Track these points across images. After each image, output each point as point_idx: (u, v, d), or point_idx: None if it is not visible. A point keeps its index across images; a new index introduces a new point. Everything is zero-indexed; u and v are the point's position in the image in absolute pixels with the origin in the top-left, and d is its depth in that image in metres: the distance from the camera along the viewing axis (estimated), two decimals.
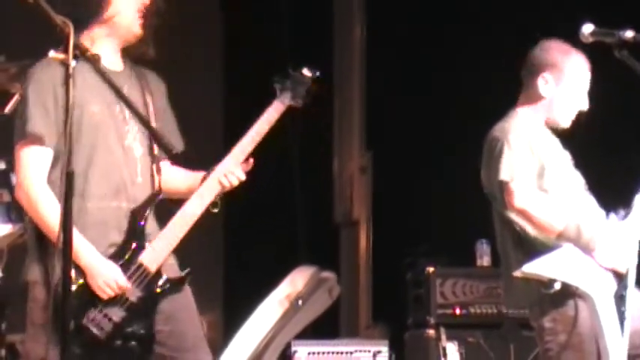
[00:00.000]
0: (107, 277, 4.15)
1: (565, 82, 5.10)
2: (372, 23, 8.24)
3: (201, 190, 4.29)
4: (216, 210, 4.30)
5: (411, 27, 7.70)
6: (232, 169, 4.28)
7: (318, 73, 4.47)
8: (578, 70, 5.12)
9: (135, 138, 4.29)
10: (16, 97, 5.82)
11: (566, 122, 5.15)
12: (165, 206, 4.38)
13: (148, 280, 4.21)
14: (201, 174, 4.38)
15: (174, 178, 4.44)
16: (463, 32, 7.38)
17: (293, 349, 6.50)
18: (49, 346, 3.95)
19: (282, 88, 4.39)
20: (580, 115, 5.16)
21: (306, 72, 4.43)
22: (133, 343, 4.19)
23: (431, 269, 6.70)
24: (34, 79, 4.24)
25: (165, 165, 4.41)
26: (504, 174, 4.95)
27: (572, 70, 5.10)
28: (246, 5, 8.19)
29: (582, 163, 5.22)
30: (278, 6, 8.22)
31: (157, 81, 4.46)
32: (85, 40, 4.21)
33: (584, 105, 5.14)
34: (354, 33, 8.28)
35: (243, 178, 4.29)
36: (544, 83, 5.08)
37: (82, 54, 3.81)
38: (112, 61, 4.28)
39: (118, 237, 4.22)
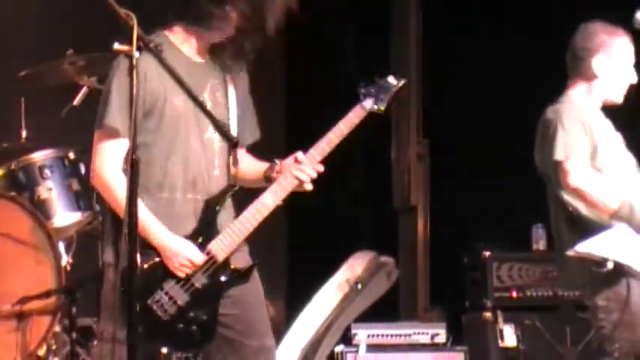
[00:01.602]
0: (181, 255, 4.16)
1: (615, 59, 5.12)
2: (427, 14, 8.15)
3: (277, 186, 4.27)
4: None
5: (467, 18, 7.67)
6: (308, 168, 4.27)
7: (404, 81, 4.49)
8: (625, 47, 5.15)
9: (215, 130, 4.30)
10: (84, 90, 5.90)
11: (619, 97, 5.17)
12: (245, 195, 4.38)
13: (214, 269, 4.21)
14: (265, 164, 4.38)
15: (246, 166, 4.41)
16: (519, 25, 7.34)
17: (353, 331, 6.46)
18: (119, 326, 4.00)
19: (366, 94, 4.38)
20: (630, 90, 5.18)
21: (392, 80, 4.43)
22: (194, 327, 4.20)
23: (487, 253, 6.69)
24: (117, 72, 4.20)
25: (241, 152, 4.39)
26: (559, 154, 4.96)
27: (620, 48, 5.13)
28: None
29: (634, 144, 5.20)
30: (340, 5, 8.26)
31: (241, 72, 4.40)
32: (177, 32, 4.27)
33: (634, 78, 5.16)
34: (410, 24, 8.23)
35: (315, 176, 4.27)
36: (598, 63, 5.09)
37: (145, 46, 3.86)
38: (196, 53, 4.28)
39: (191, 228, 4.22)
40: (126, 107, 4.07)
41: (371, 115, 4.37)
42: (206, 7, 4.20)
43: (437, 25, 8.04)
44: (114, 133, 4.18)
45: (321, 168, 4.31)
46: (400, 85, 4.47)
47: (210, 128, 4.28)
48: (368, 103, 4.38)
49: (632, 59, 5.17)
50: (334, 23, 8.24)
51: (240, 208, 4.33)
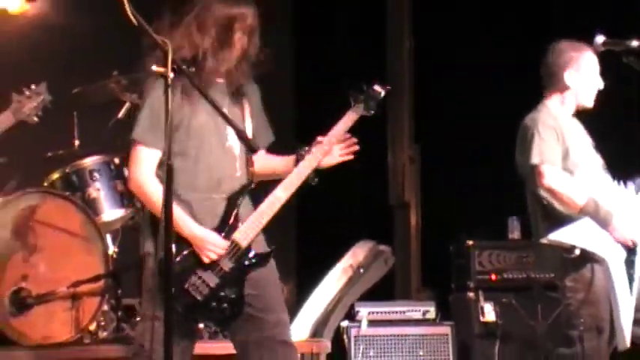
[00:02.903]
0: (208, 243, 4.15)
1: (583, 71, 5.10)
2: (419, 30, 8.13)
3: (284, 184, 4.27)
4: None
5: (454, 36, 7.62)
6: (311, 166, 4.28)
7: (388, 88, 4.44)
8: (591, 60, 5.11)
9: (234, 139, 4.26)
10: (127, 105, 5.90)
11: (590, 102, 5.14)
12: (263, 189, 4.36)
13: (239, 254, 4.20)
14: (291, 157, 4.36)
15: (268, 163, 4.42)
16: (498, 41, 7.29)
17: (356, 309, 6.43)
18: (158, 306, 3.99)
19: (356, 100, 4.35)
20: (598, 96, 5.16)
21: (377, 88, 4.39)
22: (225, 305, 4.18)
23: (470, 242, 6.64)
24: (149, 92, 4.20)
25: (261, 153, 4.38)
26: (535, 158, 4.94)
27: (587, 61, 5.11)
28: (313, 26, 8.20)
29: (600, 147, 5.19)
30: (340, 25, 8.22)
31: (253, 87, 4.40)
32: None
33: (601, 85, 5.13)
34: (403, 42, 8.12)
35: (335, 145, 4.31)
36: (569, 76, 5.07)
37: (178, 69, 3.82)
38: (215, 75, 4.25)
39: (217, 221, 4.21)
40: (156, 122, 4.09)
41: (362, 118, 4.35)
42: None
43: (428, 45, 7.97)
44: (143, 144, 4.18)
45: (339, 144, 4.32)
46: (385, 91, 4.41)
47: (230, 137, 4.26)
48: (359, 109, 4.35)
49: (597, 69, 5.14)
50: (335, 35, 8.21)
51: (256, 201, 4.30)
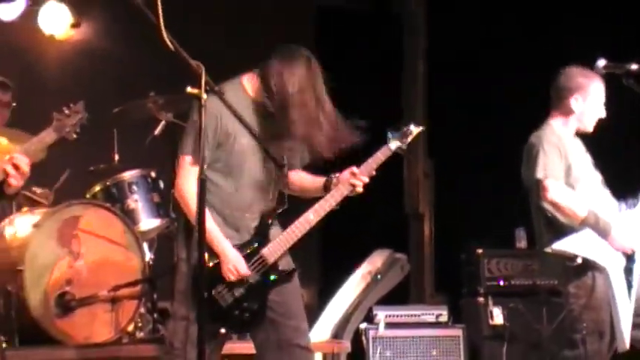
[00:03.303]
0: (232, 264, 4.14)
1: (590, 99, 5.04)
2: (433, 56, 8.08)
3: (315, 209, 4.26)
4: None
5: (465, 60, 7.56)
6: (362, 177, 4.29)
7: (422, 128, 4.46)
8: (598, 89, 5.06)
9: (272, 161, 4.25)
10: (162, 123, 5.82)
11: (590, 128, 5.09)
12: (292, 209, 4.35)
13: (265, 269, 4.21)
14: (320, 180, 4.35)
15: (300, 180, 4.39)
16: (504, 63, 7.23)
17: (374, 312, 6.41)
18: (189, 307, 4.05)
19: (393, 137, 4.36)
20: (599, 122, 5.11)
21: (413, 128, 4.40)
22: (247, 314, 4.20)
23: (480, 251, 6.61)
24: (194, 111, 4.13)
25: (297, 173, 4.37)
26: (539, 173, 4.91)
27: (594, 90, 5.05)
28: (341, 52, 8.13)
29: (600, 164, 5.14)
30: (359, 51, 8.17)
31: None
32: (251, 79, 4.24)
33: (603, 113, 5.09)
34: (418, 67, 8.13)
35: (366, 182, 4.31)
36: (575, 102, 5.02)
37: (210, 89, 3.82)
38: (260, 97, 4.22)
39: (246, 239, 4.22)
40: (208, 135, 4.11)
41: (394, 154, 4.40)
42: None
43: (440, 68, 7.94)
44: (189, 159, 4.19)
45: (367, 179, 4.31)
46: (419, 130, 4.44)
47: (269, 160, 4.26)
48: (394, 145, 4.37)
49: (603, 99, 5.09)
50: (354, 59, 8.10)
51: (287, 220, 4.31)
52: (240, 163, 4.21)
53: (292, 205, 4.36)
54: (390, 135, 4.39)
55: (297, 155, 4.35)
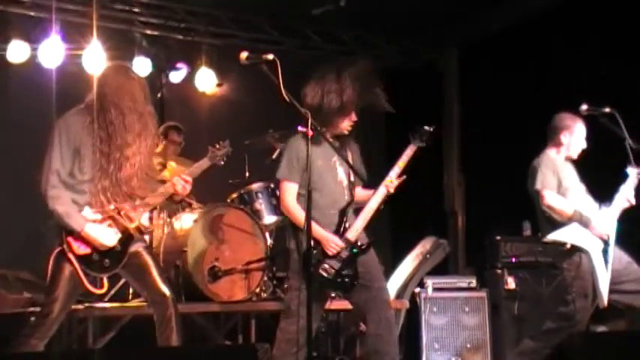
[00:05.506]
0: (331, 242, 4.19)
1: (575, 135, 5.02)
2: (466, 97, 7.74)
3: (376, 196, 4.23)
4: (382, 207, 4.29)
5: (490, 96, 7.11)
6: (387, 187, 4.24)
7: (434, 127, 4.32)
8: (581, 128, 5.04)
9: (342, 176, 4.29)
10: (277, 150, 5.77)
11: (576, 155, 5.07)
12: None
13: (351, 246, 4.23)
14: (372, 192, 4.30)
15: (359, 194, 4.38)
16: (516, 109, 6.81)
17: (425, 280, 6.32)
18: (302, 283, 4.06)
19: (414, 137, 4.29)
20: (583, 151, 5.06)
21: (426, 127, 4.29)
22: (346, 280, 4.20)
23: (498, 237, 6.36)
24: (289, 144, 4.25)
25: (358, 189, 4.40)
26: (538, 185, 4.94)
27: (578, 128, 5.03)
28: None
29: (584, 179, 5.07)
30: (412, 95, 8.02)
31: (354, 143, 4.40)
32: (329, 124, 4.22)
33: (585, 145, 5.06)
34: (453, 104, 7.88)
35: (392, 192, 4.25)
36: (564, 137, 5.01)
37: (315, 129, 3.90)
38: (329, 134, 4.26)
39: (334, 227, 4.23)
40: (293, 165, 4.14)
41: (419, 149, 4.28)
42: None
43: (472, 106, 7.66)
44: (285, 180, 4.22)
45: (395, 181, 4.21)
46: (432, 129, 4.28)
47: (339, 174, 4.25)
48: (416, 142, 4.28)
49: (584, 134, 5.05)
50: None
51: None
52: (320, 177, 4.18)
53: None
54: (411, 135, 4.29)
55: (360, 174, 4.29)
